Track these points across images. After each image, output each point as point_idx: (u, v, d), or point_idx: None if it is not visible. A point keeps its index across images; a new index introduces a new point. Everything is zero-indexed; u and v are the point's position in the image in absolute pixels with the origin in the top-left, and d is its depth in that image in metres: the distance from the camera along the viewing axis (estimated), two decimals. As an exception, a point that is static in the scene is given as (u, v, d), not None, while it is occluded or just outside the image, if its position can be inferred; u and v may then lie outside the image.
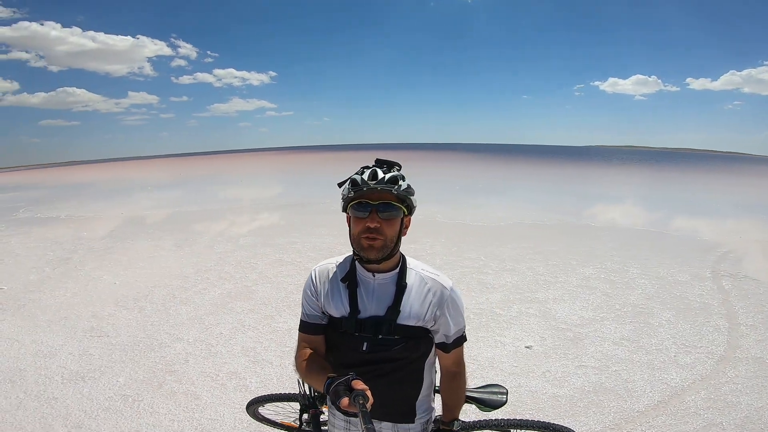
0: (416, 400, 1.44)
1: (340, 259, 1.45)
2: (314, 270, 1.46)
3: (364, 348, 1.32)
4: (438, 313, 1.32)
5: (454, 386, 1.46)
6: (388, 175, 1.26)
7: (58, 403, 3.00)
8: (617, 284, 5.46)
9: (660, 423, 2.70)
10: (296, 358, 1.43)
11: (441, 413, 1.54)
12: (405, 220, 1.32)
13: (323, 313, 1.41)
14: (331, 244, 7.47)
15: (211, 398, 3.01)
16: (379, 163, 1.35)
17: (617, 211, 11.64)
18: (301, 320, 1.46)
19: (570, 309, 4.64)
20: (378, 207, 1.25)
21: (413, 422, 1.44)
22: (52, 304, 4.95)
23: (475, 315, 4.41)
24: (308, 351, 1.39)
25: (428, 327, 1.33)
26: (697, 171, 35.15)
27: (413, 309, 1.31)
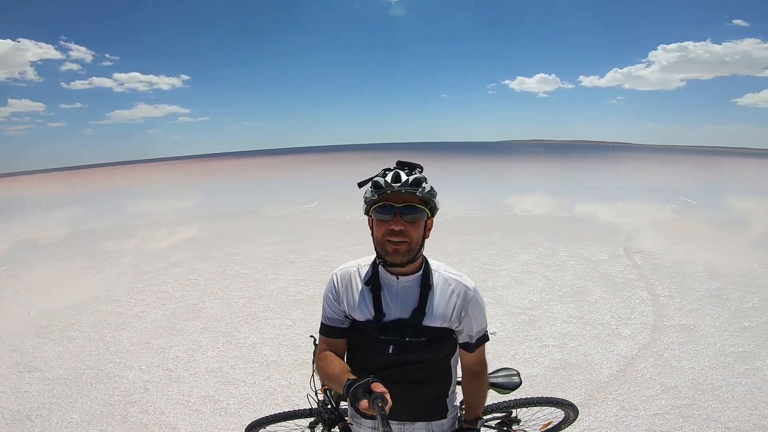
0: (447, 396, 1.46)
1: (362, 261, 1.43)
2: (335, 274, 1.42)
3: (390, 351, 1.31)
4: (463, 313, 1.33)
5: (477, 385, 1.48)
6: (411, 177, 1.25)
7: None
8: (552, 267, 5.98)
9: (625, 391, 3.02)
10: (317, 360, 1.40)
11: (462, 407, 1.57)
12: (428, 222, 1.32)
13: (345, 316, 1.38)
14: (275, 253, 7.15)
15: (190, 426, 2.75)
16: (401, 164, 1.33)
17: (535, 201, 12.74)
18: (321, 323, 1.43)
19: (519, 294, 4.97)
20: (402, 210, 1.24)
21: (446, 418, 1.45)
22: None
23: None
24: (329, 353, 1.36)
25: (453, 328, 1.34)
26: (593, 160, 39.90)
27: (438, 310, 1.31)
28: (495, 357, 3.50)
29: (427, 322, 1.30)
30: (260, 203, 13.69)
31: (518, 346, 3.70)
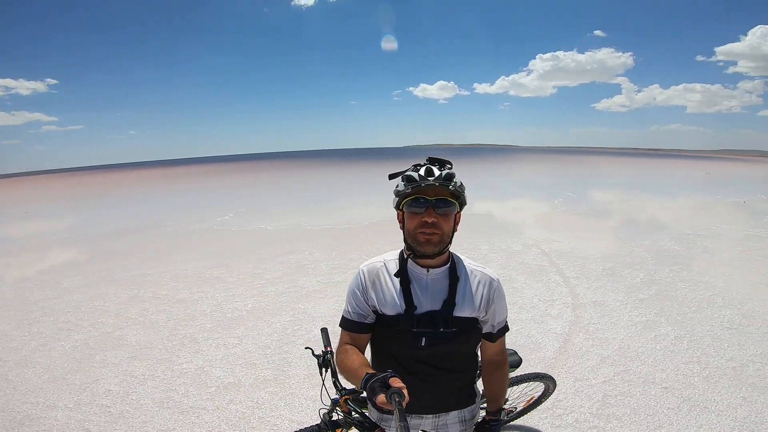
0: (474, 383, 1.53)
1: (387, 257, 1.45)
2: (362, 270, 1.43)
3: (423, 343, 1.34)
4: (489, 303, 1.41)
5: (499, 375, 1.52)
6: (444, 172, 1.32)
7: None
8: (479, 260, 6.33)
9: (572, 363, 3.41)
10: (337, 353, 1.40)
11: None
12: (457, 215, 1.38)
13: (374, 312, 1.40)
14: (196, 270, 6.55)
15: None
16: (432, 160, 1.38)
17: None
18: (344, 318, 1.43)
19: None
20: (435, 203, 1.30)
21: (474, 403, 1.52)
22: None
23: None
24: (349, 347, 1.37)
25: (480, 317, 1.41)
26: (489, 162, 43.89)
27: (467, 300, 1.37)
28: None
29: (458, 312, 1.35)
30: (162, 218, 12.30)
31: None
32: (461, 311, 1.36)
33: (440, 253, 1.33)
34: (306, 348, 1.75)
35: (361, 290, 1.39)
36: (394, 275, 1.38)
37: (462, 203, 1.37)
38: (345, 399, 1.61)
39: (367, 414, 1.57)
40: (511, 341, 3.70)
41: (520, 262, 6.35)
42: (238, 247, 8.07)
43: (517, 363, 1.90)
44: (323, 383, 1.69)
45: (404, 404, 1.00)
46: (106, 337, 4.23)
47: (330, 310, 4.64)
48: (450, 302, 1.35)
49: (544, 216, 10.63)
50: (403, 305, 1.34)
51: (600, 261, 6.39)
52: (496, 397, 1.53)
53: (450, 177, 1.31)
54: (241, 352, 3.76)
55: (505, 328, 1.49)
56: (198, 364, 3.58)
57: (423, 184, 1.28)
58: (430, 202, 1.29)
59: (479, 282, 1.41)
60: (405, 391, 1.03)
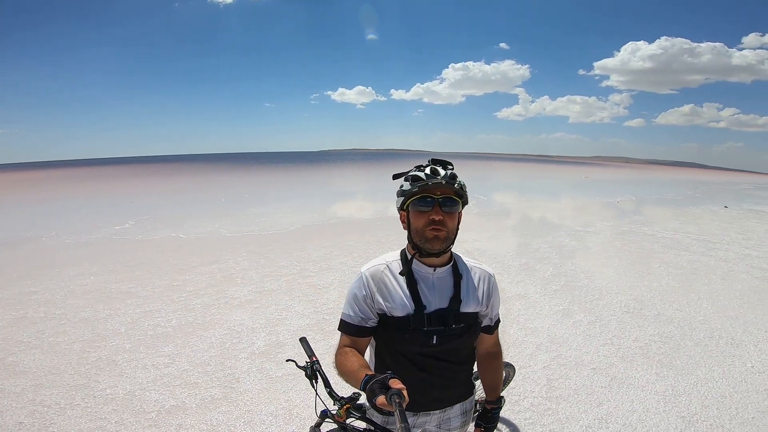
0: (473, 375, 1.60)
1: (389, 258, 1.45)
2: (364, 274, 1.42)
3: (434, 341, 1.38)
4: (490, 297, 1.49)
5: (496, 365, 1.60)
6: (449, 172, 1.37)
7: None
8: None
9: (513, 353, 3.72)
10: (336, 356, 1.38)
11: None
12: (459, 214, 1.43)
13: (377, 315, 1.40)
14: (100, 285, 5.74)
15: None
16: (435, 161, 1.43)
17: (372, 205, 13.81)
18: (343, 321, 1.42)
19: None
20: (441, 201, 1.34)
21: (473, 394, 1.59)
22: None
23: (317, 315, 4.58)
24: (348, 350, 1.36)
25: (481, 311, 1.48)
26: (402, 167, 45.26)
27: (471, 297, 1.43)
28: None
29: (464, 308, 1.40)
30: (44, 229, 10.45)
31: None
32: (467, 307, 1.41)
33: (446, 251, 1.37)
34: (288, 360, 1.66)
35: (365, 295, 1.38)
36: (400, 274, 1.39)
37: (465, 202, 1.42)
38: (346, 408, 1.56)
39: (372, 419, 1.55)
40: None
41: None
42: (147, 257, 7.25)
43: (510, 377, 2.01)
44: (316, 394, 1.62)
45: (404, 405, 1.00)
46: (3, 367, 3.50)
47: (271, 320, 4.42)
48: (456, 299, 1.39)
49: (470, 217, 11.30)
50: (413, 305, 1.35)
51: (515, 257, 7.04)
52: (495, 385, 1.61)
53: (454, 176, 1.36)
54: (177, 371, 3.39)
55: (499, 320, 1.58)
56: (126, 388, 3.14)
57: (430, 183, 1.31)
58: (436, 201, 1.32)
59: (479, 278, 1.48)
60: (405, 392, 1.03)
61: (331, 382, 1.50)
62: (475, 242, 8.14)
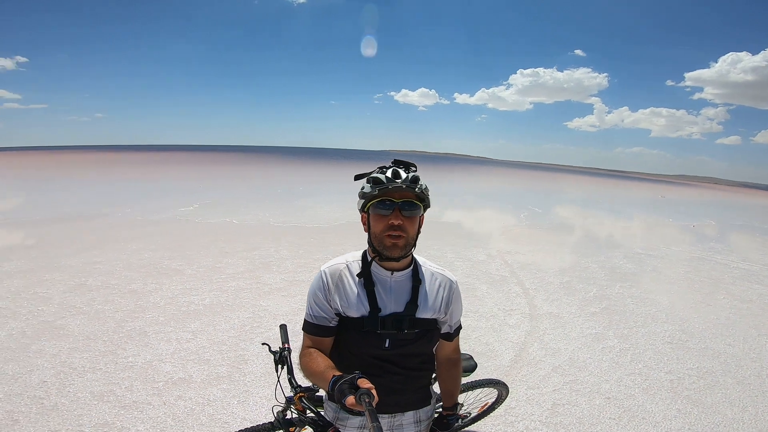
0: (431, 384, 1.55)
1: (350, 258, 1.44)
2: (323, 272, 1.40)
3: (387, 345, 1.36)
4: (449, 304, 1.45)
5: (455, 372, 1.58)
6: (410, 175, 1.33)
7: None
8: (443, 266, 6.55)
9: (526, 372, 3.50)
10: (300, 357, 1.38)
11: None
12: (420, 218, 1.40)
13: (336, 314, 1.38)
14: (152, 260, 6.28)
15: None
16: (398, 163, 1.39)
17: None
18: (306, 321, 1.41)
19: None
20: (401, 205, 1.31)
21: (430, 404, 1.54)
22: None
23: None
24: (313, 351, 1.36)
25: (439, 318, 1.44)
26: (462, 172, 44.75)
27: (429, 303, 1.40)
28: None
29: (420, 314, 1.37)
30: (122, 205, 11.73)
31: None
32: (423, 313, 1.38)
33: (405, 256, 1.34)
34: (263, 344, 1.71)
35: (324, 292, 1.37)
36: (357, 276, 1.37)
37: (426, 206, 1.39)
38: (299, 396, 1.59)
39: (321, 413, 1.56)
40: (469, 348, 3.81)
41: (483, 271, 6.48)
42: (200, 239, 7.81)
43: (472, 368, 1.93)
44: (278, 380, 1.66)
45: (374, 404, 1.00)
46: (46, 326, 3.97)
47: (293, 309, 4.57)
48: (413, 304, 1.37)
49: (510, 228, 10.93)
50: (368, 307, 1.34)
51: (558, 274, 6.63)
52: (451, 393, 1.59)
53: (416, 180, 1.33)
54: (195, 347, 3.62)
55: (460, 327, 1.54)
56: (146, 358, 3.41)
57: (390, 186, 1.28)
58: (396, 205, 1.30)
59: (439, 284, 1.44)
60: (374, 391, 1.03)
61: (294, 370, 1.54)
62: (517, 255, 7.78)
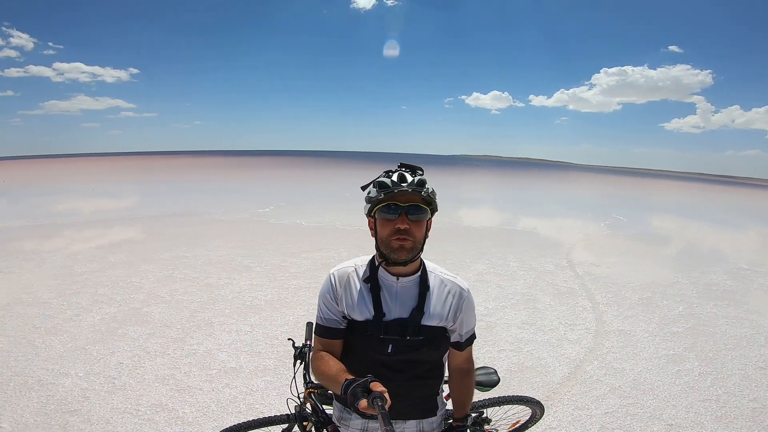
0: (438, 394, 1.49)
1: (358, 261, 1.44)
2: (332, 274, 1.41)
3: (389, 350, 1.33)
4: (458, 313, 1.38)
5: (467, 382, 1.51)
6: (416, 178, 1.29)
7: None
8: (504, 277, 6.26)
9: (577, 391, 3.22)
10: (312, 360, 1.39)
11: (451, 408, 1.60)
12: (428, 222, 1.35)
13: (343, 317, 1.38)
14: (228, 257, 6.86)
15: (142, 437, 2.53)
16: (404, 166, 1.36)
17: (486, 214, 13.36)
18: (317, 324, 1.42)
19: (476, 301, 5.11)
20: (407, 209, 1.28)
21: (436, 415, 1.48)
22: None
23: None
24: (325, 354, 1.36)
25: (448, 327, 1.38)
26: (538, 178, 42.45)
27: (436, 310, 1.35)
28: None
29: (426, 321, 1.33)
30: (210, 205, 13.09)
31: (478, 351, 3.82)
32: (429, 320, 1.34)
33: (412, 260, 1.31)
34: (288, 339, 1.79)
35: (332, 295, 1.38)
36: (363, 281, 1.37)
37: (434, 209, 1.35)
38: (309, 392, 1.63)
39: (329, 410, 1.59)
40: (518, 361, 3.59)
41: (548, 282, 6.07)
42: (272, 239, 8.36)
43: (494, 383, 1.82)
44: (294, 375, 1.72)
45: (387, 408, 1.00)
46: (134, 312, 4.52)
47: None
48: (419, 311, 1.33)
49: (587, 237, 10.10)
50: (372, 311, 1.33)
51: (638, 289, 5.98)
52: (463, 403, 1.53)
53: (422, 183, 1.29)
54: (250, 339, 3.88)
55: (473, 337, 1.47)
56: (207, 346, 3.73)
57: (396, 191, 1.26)
58: (402, 209, 1.27)
59: (449, 292, 1.39)
60: (387, 395, 1.03)
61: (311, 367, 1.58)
62: (591, 266, 7.16)
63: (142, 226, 9.71)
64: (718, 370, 3.65)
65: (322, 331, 1.40)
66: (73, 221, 10.19)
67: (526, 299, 5.29)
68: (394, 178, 1.29)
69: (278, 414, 1.78)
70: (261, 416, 1.80)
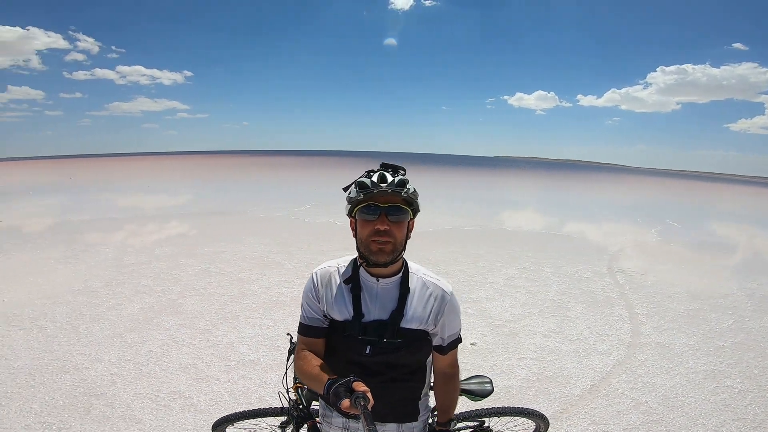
0: (419, 399, 1.46)
1: (342, 261, 1.43)
2: (315, 273, 1.41)
3: (367, 351, 1.31)
4: (439, 316, 1.34)
5: (450, 388, 1.48)
6: (396, 179, 1.27)
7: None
8: (536, 282, 6.02)
9: (597, 405, 3.04)
10: (295, 360, 1.39)
11: (436, 413, 1.57)
12: (410, 223, 1.33)
13: (324, 316, 1.38)
14: (262, 253, 7.12)
15: (156, 421, 2.69)
16: (385, 166, 1.34)
17: (525, 217, 12.94)
18: (300, 323, 1.42)
19: (502, 307, 4.99)
20: (387, 210, 1.25)
21: (417, 420, 1.45)
22: None
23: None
24: (308, 353, 1.36)
25: (429, 330, 1.35)
26: (584, 181, 40.44)
27: (416, 313, 1.32)
28: (474, 367, 3.50)
29: (405, 323, 1.31)
30: (251, 203, 13.69)
31: (497, 357, 3.71)
32: (409, 323, 1.32)
33: (393, 262, 1.29)
34: (287, 334, 1.83)
35: (314, 294, 1.38)
36: (344, 282, 1.37)
37: (415, 210, 1.32)
38: (296, 387, 1.66)
39: (312, 406, 1.61)
40: (537, 371, 3.45)
41: (583, 290, 5.77)
42: (305, 237, 8.57)
43: (487, 393, 1.75)
44: (286, 369, 1.75)
45: (369, 408, 1.00)
46: (170, 303, 4.79)
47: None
48: (398, 313, 1.31)
49: (634, 244, 9.48)
50: (351, 312, 1.33)
51: (684, 300, 5.55)
52: (446, 408, 1.49)
53: (403, 183, 1.27)
54: (271, 334, 3.99)
55: (457, 341, 1.43)
56: (230, 338, 3.89)
57: (375, 191, 1.24)
58: (382, 209, 1.26)
59: (431, 294, 1.35)
60: (369, 395, 1.03)
61: None
62: (634, 274, 6.73)
63: (188, 221, 10.31)
64: (761, 388, 3.31)
65: (304, 330, 1.40)
66: (128, 216, 10.99)
67: (557, 307, 5.07)
68: (374, 178, 1.27)
69: (273, 406, 1.82)
70: (257, 407, 1.86)
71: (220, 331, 4.05)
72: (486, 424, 1.97)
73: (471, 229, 10.24)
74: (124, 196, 16.16)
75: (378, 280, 1.32)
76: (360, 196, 1.26)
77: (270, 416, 1.83)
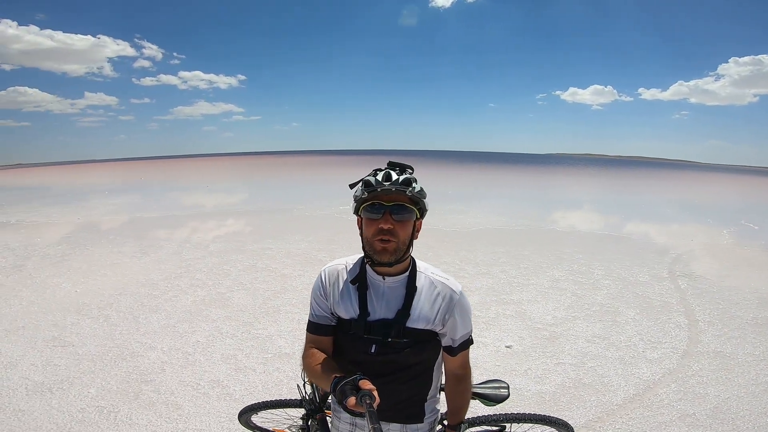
0: (425, 401, 1.45)
1: (350, 260, 1.43)
2: (323, 271, 1.43)
3: (373, 350, 1.31)
4: (447, 316, 1.32)
5: (461, 389, 1.45)
6: (402, 177, 1.26)
7: (25, 416, 2.80)
8: (584, 285, 5.72)
9: (637, 415, 2.86)
10: (303, 357, 1.41)
11: (446, 413, 1.55)
12: (417, 223, 1.31)
13: (332, 314, 1.39)
14: (305, 250, 7.38)
15: (194, 408, 2.90)
16: (392, 165, 1.33)
17: (579, 216, 12.27)
18: (309, 320, 1.44)
19: (544, 309, 4.81)
20: (391, 209, 1.25)
21: (422, 422, 1.44)
22: (7, 313, 4.60)
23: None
24: (315, 351, 1.37)
25: (437, 330, 1.33)
26: (649, 178, 37.56)
27: (423, 312, 1.30)
28: (506, 371, 3.42)
29: (411, 323, 1.30)
30: (299, 202, 14.20)
31: (533, 361, 3.58)
32: (415, 323, 1.31)
33: (397, 262, 1.29)
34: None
35: (322, 292, 1.41)
36: (351, 281, 1.38)
37: (422, 210, 1.31)
38: (311, 381, 1.72)
39: (321, 400, 1.66)
40: (575, 377, 3.31)
41: (637, 294, 5.40)
42: (347, 234, 8.75)
43: (501, 398, 1.69)
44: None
45: (375, 406, 1.01)
46: (219, 296, 5.11)
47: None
48: (404, 312, 1.31)
49: (701, 246, 8.69)
50: (357, 310, 1.34)
51: (753, 308, 5.03)
52: (457, 409, 1.48)
53: (408, 182, 1.26)
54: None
55: (468, 342, 1.39)
56: (269, 331, 4.09)
57: (379, 189, 1.24)
58: (386, 208, 1.26)
59: (438, 294, 1.33)
60: (375, 393, 1.04)
61: None
62: (699, 278, 6.18)
63: (241, 219, 10.91)
64: (838, 409, 2.92)
65: (313, 327, 1.42)
66: (189, 214, 11.82)
67: (605, 311, 4.79)
68: (379, 176, 1.27)
69: (295, 398, 1.90)
70: (280, 398, 1.95)
71: (261, 324, 4.27)
72: (507, 430, 1.92)
73: (518, 229, 9.90)
74: (186, 196, 17.43)
75: (384, 279, 1.32)
76: (365, 194, 1.26)
77: (291, 407, 1.92)
